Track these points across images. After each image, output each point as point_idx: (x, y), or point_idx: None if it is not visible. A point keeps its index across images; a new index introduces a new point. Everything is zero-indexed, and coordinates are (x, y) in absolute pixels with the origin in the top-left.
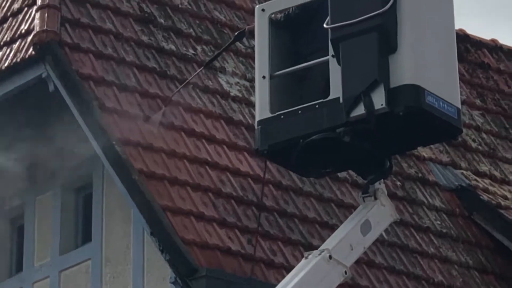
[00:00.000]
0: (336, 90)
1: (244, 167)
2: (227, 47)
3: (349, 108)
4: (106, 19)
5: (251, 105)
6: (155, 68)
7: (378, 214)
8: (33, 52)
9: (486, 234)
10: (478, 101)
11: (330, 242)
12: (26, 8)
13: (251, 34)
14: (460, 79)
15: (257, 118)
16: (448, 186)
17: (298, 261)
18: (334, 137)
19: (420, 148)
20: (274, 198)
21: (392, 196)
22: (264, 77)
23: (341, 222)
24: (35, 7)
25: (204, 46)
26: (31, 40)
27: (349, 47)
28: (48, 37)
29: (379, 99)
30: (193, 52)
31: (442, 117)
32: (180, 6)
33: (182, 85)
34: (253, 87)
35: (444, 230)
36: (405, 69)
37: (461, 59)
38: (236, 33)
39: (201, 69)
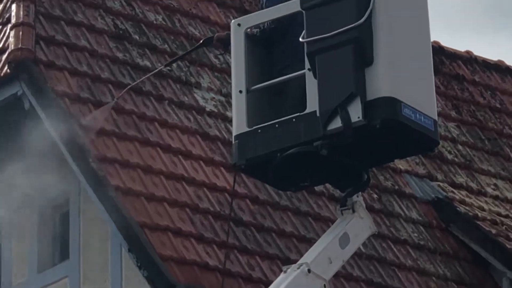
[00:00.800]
0: (312, 104)
1: (221, 182)
2: (192, 51)
3: (326, 122)
4: (81, 36)
5: (227, 120)
6: (130, 84)
7: (356, 227)
8: (8, 70)
9: (464, 245)
10: (453, 113)
11: (309, 256)
12: (0, 26)
13: (219, 41)
14: (435, 91)
15: (234, 133)
16: (424, 198)
17: (276, 275)
18: (311, 150)
19: (396, 161)
20: (251, 212)
21: (369, 209)
22: (241, 91)
23: (319, 236)
24: (9, 25)
25: (179, 62)
26: (6, 58)
27: (325, 61)
28: (23, 55)
29: (355, 112)
30: (169, 68)
31: (419, 129)
32: (154, 22)
33: (131, 86)
34: (228, 102)
35: (422, 242)
36: (381, 81)
37: (436, 71)
38: (203, 39)
39: (159, 68)
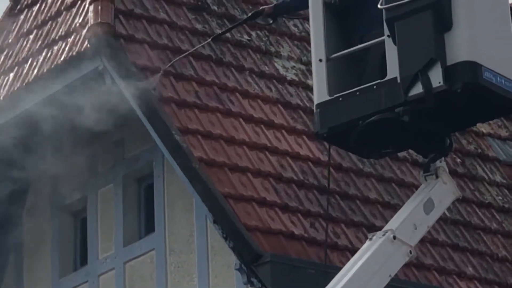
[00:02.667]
0: (393, 70)
1: (304, 151)
2: (240, 24)
3: (407, 88)
4: (160, 9)
5: (308, 88)
6: (211, 55)
7: (440, 192)
8: (88, 45)
9: None
10: None
11: (394, 223)
12: (79, 2)
13: (268, 16)
14: None
15: (316, 102)
16: (508, 161)
17: (362, 243)
18: (393, 117)
19: (478, 124)
20: (335, 180)
21: (452, 173)
22: (320, 60)
23: (403, 202)
24: (88, 0)
25: (258, 32)
26: (86, 33)
27: (404, 27)
28: (102, 29)
29: (436, 77)
30: (248, 38)
31: (500, 92)
32: None
33: (179, 57)
34: (309, 70)
35: (506, 205)
36: (461, 46)
37: None
38: (252, 12)
39: (208, 40)
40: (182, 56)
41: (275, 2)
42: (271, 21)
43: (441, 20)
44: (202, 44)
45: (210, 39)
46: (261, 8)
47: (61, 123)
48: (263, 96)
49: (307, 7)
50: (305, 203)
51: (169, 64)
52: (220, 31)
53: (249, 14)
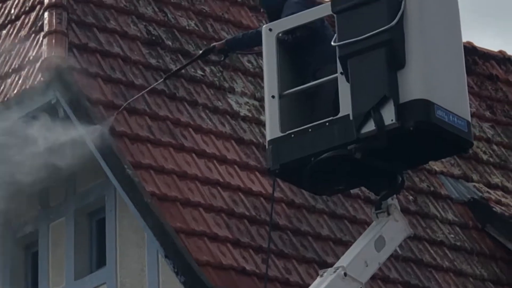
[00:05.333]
0: (345, 107)
1: (256, 186)
2: (192, 62)
3: (359, 125)
4: (114, 43)
5: (261, 124)
6: (164, 90)
7: (391, 229)
8: (41, 79)
9: (500, 246)
10: (487, 113)
11: (345, 259)
12: (33, 35)
13: (220, 52)
14: (469, 91)
15: (268, 138)
16: (460, 199)
17: (313, 279)
18: (345, 154)
19: (431, 162)
20: (287, 216)
21: (405, 210)
22: (273, 96)
23: (355, 239)
24: (42, 33)
25: (212, 67)
26: (40, 66)
27: (358, 64)
28: (56, 63)
29: (389, 115)
30: (202, 73)
31: (452, 131)
32: (187, 27)
33: (135, 97)
34: (262, 106)
35: (458, 243)
36: (414, 83)
37: (469, 71)
38: (204, 49)
39: (162, 79)
40: (138, 95)
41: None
42: (222, 58)
43: (394, 58)
44: (157, 83)
45: (163, 79)
46: (212, 44)
47: (13, 155)
48: (216, 132)
49: (259, 43)
50: (257, 238)
51: (125, 104)
52: (174, 66)
53: (200, 52)
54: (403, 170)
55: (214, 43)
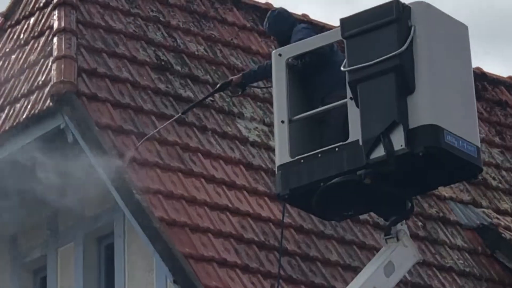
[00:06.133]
0: (355, 133)
1: (265, 212)
2: (209, 96)
3: (368, 150)
4: (123, 68)
5: (270, 149)
6: (173, 115)
7: (401, 255)
8: (50, 104)
9: (509, 272)
10: (497, 139)
11: (354, 285)
12: (42, 60)
13: (237, 86)
14: (478, 117)
15: (277, 163)
16: (469, 225)
17: None
18: (354, 179)
19: (440, 188)
20: (295, 242)
21: (414, 236)
22: (283, 121)
23: (364, 265)
24: (51, 58)
25: (221, 92)
26: (49, 91)
27: (367, 89)
28: (65, 87)
29: (398, 140)
30: (211, 98)
31: (462, 156)
32: (196, 53)
33: (164, 125)
34: (271, 131)
35: (467, 269)
36: (424, 109)
37: (478, 97)
38: (221, 83)
39: (176, 117)
40: (152, 132)
41: (239, 64)
42: (240, 92)
43: (404, 83)
44: (177, 116)
45: (181, 113)
46: (229, 79)
47: (22, 181)
48: (225, 157)
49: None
50: (266, 264)
51: (142, 141)
52: (183, 91)
53: (218, 86)
54: (413, 196)
55: (231, 77)
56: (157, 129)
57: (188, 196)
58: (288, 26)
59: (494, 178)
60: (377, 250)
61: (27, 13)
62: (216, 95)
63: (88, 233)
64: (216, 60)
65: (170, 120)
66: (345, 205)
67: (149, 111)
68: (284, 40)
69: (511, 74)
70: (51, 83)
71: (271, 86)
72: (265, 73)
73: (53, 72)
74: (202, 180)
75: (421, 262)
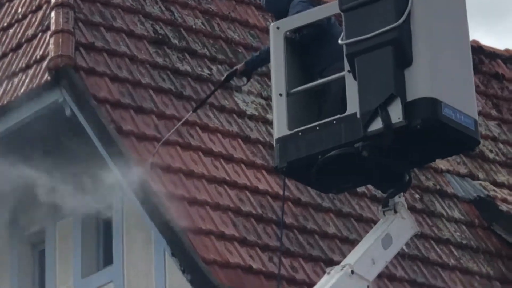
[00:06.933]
0: (353, 105)
1: (263, 185)
2: (217, 89)
3: (366, 123)
4: (121, 42)
5: (268, 123)
6: (171, 89)
7: (398, 227)
8: (48, 78)
9: (506, 244)
10: (494, 112)
11: (352, 257)
12: (40, 34)
13: (242, 74)
14: (475, 90)
15: (275, 136)
16: (466, 198)
17: (319, 277)
18: (352, 152)
19: (437, 160)
20: (293, 215)
21: (411, 209)
22: (281, 94)
23: (361, 237)
24: (49, 32)
25: (219, 66)
26: (46, 65)
27: (365, 62)
28: (63, 62)
29: (396, 113)
30: (209, 72)
31: (459, 129)
32: (194, 26)
33: (179, 124)
34: (269, 105)
35: (464, 242)
36: (421, 82)
37: (475, 70)
38: (226, 73)
39: (191, 113)
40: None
41: (236, 37)
42: (246, 81)
43: (401, 56)
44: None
45: (193, 110)
46: (233, 69)
47: (20, 154)
48: (223, 130)
49: None
50: (264, 237)
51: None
52: (181, 65)
53: (224, 77)
54: (410, 168)
55: (236, 66)
56: (172, 130)
57: (186, 170)
58: (285, 2)
59: (491, 151)
60: (375, 222)
61: None
62: (214, 69)
63: (87, 207)
64: (214, 33)
65: (183, 120)
66: (342, 178)
67: (147, 85)
68: (281, 14)
69: (507, 47)
70: (49, 57)
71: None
72: (267, 57)
73: (51, 46)
74: (200, 153)
75: (419, 234)
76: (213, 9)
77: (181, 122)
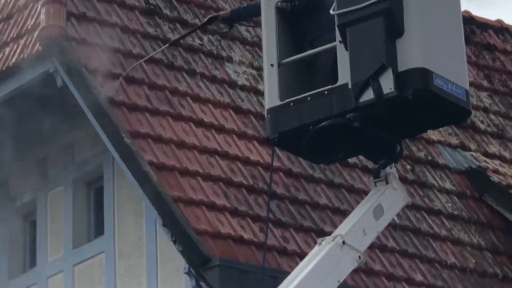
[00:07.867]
0: (344, 76)
1: (254, 155)
2: (196, 30)
3: (358, 93)
4: (112, 12)
5: (259, 93)
6: (162, 59)
7: (390, 198)
8: (39, 48)
9: (498, 215)
10: (485, 83)
11: (343, 228)
12: (31, 4)
13: (223, 21)
14: (467, 61)
15: (267, 106)
16: (458, 168)
17: (310, 248)
18: (343, 122)
19: (429, 131)
20: (284, 185)
21: (402, 179)
22: (272, 65)
23: (352, 208)
24: (40, 2)
25: (210, 36)
26: (38, 35)
27: (356, 32)
28: (54, 32)
29: (387, 83)
30: (200, 42)
31: (451, 100)
32: None
33: (140, 61)
34: (260, 75)
35: (456, 212)
36: (413, 52)
37: (467, 41)
38: (208, 16)
39: (165, 46)
40: (136, 64)
41: (228, 8)
42: (228, 29)
43: (392, 26)
44: (156, 51)
45: (164, 47)
46: (216, 13)
47: (11, 125)
48: (214, 101)
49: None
50: (255, 207)
51: (127, 72)
52: (172, 35)
53: (205, 19)
54: (402, 139)
55: (219, 12)
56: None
57: (177, 140)
58: None
59: (482, 122)
60: (366, 193)
61: None
62: (205, 39)
63: (78, 177)
64: (205, 4)
65: (147, 57)
66: (334, 148)
67: (138, 55)
68: None
69: (499, 18)
70: (40, 27)
71: (257, 26)
72: (254, 12)
73: (42, 16)
74: (191, 124)
75: (410, 205)
76: None
77: (145, 58)
